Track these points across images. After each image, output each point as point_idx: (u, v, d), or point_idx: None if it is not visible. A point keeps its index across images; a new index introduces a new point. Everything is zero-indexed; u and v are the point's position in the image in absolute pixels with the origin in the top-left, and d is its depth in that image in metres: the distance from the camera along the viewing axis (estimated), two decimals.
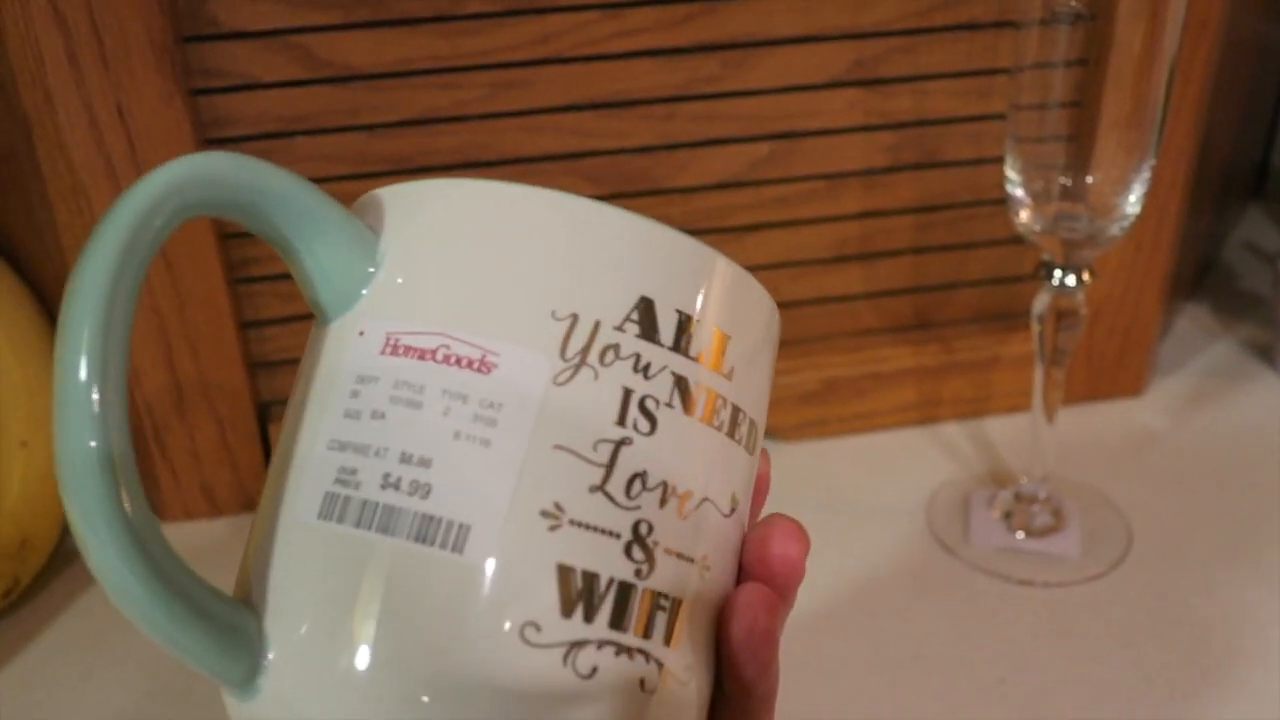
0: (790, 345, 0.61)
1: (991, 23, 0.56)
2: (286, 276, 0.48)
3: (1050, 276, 0.50)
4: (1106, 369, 0.65)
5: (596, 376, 0.23)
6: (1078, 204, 0.48)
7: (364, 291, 0.24)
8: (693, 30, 0.53)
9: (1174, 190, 0.60)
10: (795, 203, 0.58)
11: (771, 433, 0.63)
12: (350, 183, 0.54)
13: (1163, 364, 0.69)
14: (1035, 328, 0.51)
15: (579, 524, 0.22)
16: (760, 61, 0.55)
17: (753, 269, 0.52)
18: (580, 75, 0.53)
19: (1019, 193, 0.48)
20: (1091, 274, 0.50)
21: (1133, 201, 0.47)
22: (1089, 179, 0.47)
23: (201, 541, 0.57)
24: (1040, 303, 0.51)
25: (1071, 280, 0.49)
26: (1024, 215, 0.48)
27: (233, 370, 0.55)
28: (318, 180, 0.55)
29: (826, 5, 0.54)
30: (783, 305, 0.62)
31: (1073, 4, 0.44)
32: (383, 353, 0.23)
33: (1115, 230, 0.48)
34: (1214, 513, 0.57)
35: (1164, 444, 0.62)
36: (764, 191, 0.58)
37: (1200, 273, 0.79)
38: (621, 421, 0.23)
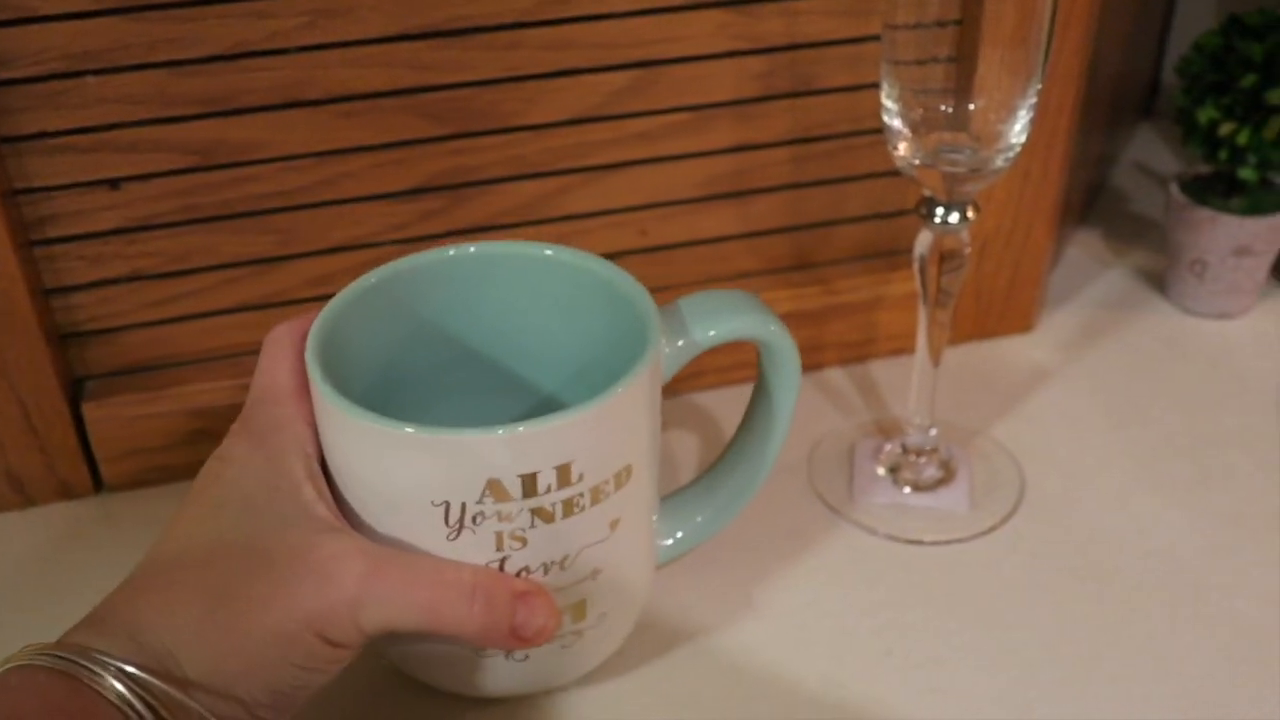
0: (662, 291, 0.57)
1: None
2: (92, 236, 0.44)
3: (932, 214, 0.45)
4: (995, 305, 0.61)
5: (474, 532, 0.35)
6: (960, 133, 0.43)
7: None
8: None
9: (1062, 115, 0.56)
10: (660, 137, 0.53)
11: None
12: (155, 127, 0.48)
13: (1054, 296, 0.66)
14: (917, 269, 0.47)
15: None
16: None
17: (617, 211, 0.47)
18: (412, 0, 0.48)
19: (896, 123, 0.44)
20: (976, 210, 0.46)
21: (1018, 130, 0.43)
22: (971, 105, 0.43)
23: (17, 538, 0.51)
24: (922, 242, 0.47)
25: (955, 218, 0.45)
26: (902, 148, 0.44)
27: (33, 343, 0.49)
28: (117, 126, 0.49)
29: None
30: (651, 250, 0.57)
31: None
32: None
33: (1000, 162, 0.44)
34: (1108, 452, 0.54)
35: (1056, 382, 0.59)
36: (625, 126, 0.53)
37: (1091, 197, 0.76)
38: (499, 548, 0.36)
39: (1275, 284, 0.66)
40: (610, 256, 0.56)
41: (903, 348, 0.60)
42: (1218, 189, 0.62)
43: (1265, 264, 0.62)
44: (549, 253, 0.43)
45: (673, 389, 0.58)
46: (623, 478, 0.37)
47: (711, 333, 0.41)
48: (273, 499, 0.36)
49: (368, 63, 0.48)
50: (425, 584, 0.34)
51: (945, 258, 0.46)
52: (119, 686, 0.31)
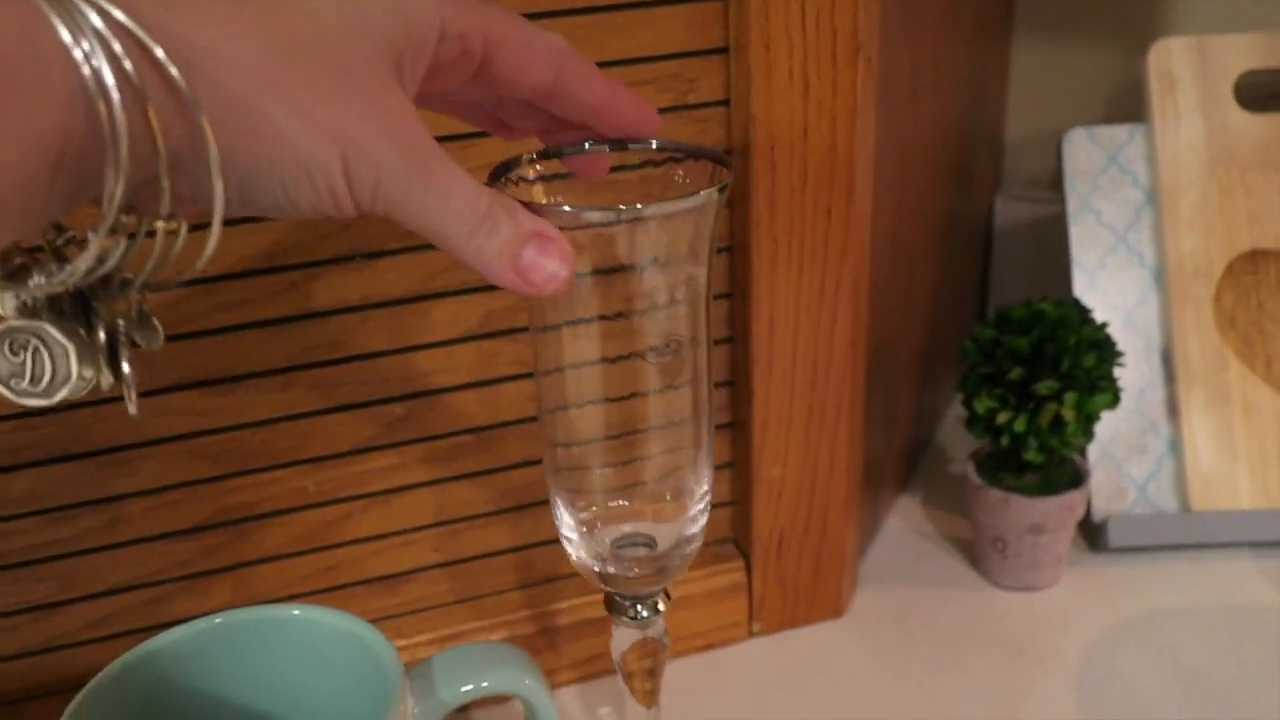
0: (462, 604, 0.57)
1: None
2: None
3: (621, 612, 0.44)
4: (802, 595, 0.62)
5: None
6: (637, 521, 0.42)
7: None
8: (298, 299, 0.49)
9: (841, 418, 0.58)
10: (444, 459, 0.54)
11: None
12: None
13: (870, 573, 0.67)
14: (619, 669, 0.46)
15: None
16: (381, 325, 0.51)
17: (406, 531, 0.46)
18: (181, 353, 0.49)
19: (573, 536, 0.42)
20: (668, 598, 0.44)
21: (698, 513, 0.42)
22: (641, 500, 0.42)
23: None
24: (619, 643, 0.45)
25: (646, 612, 0.44)
26: (579, 554, 0.43)
27: None
28: None
29: (439, 266, 0.51)
30: (446, 565, 0.58)
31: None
32: None
33: (678, 560, 0.42)
34: None
35: (861, 674, 0.59)
36: (407, 451, 0.54)
37: (914, 458, 0.78)
38: None
39: (1084, 549, 0.68)
40: (405, 574, 0.57)
41: (712, 643, 0.61)
42: (1011, 465, 0.64)
43: (1063, 539, 0.64)
44: (296, 613, 0.43)
45: None
46: None
47: (465, 688, 0.42)
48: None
49: (143, 412, 0.49)
50: (440, 183, 0.31)
51: (645, 650, 0.45)
52: (92, 42, 0.25)
